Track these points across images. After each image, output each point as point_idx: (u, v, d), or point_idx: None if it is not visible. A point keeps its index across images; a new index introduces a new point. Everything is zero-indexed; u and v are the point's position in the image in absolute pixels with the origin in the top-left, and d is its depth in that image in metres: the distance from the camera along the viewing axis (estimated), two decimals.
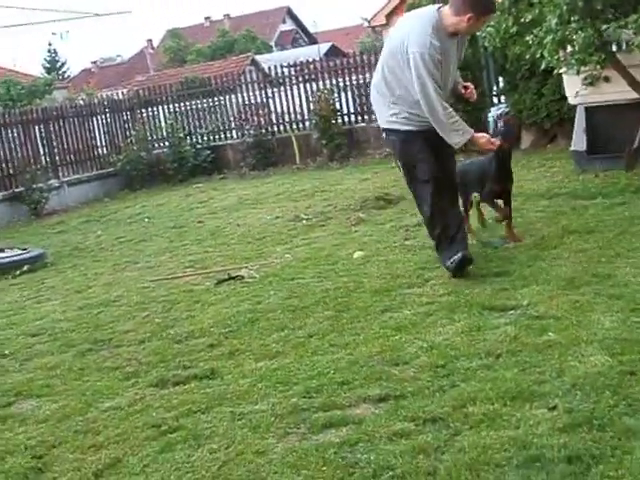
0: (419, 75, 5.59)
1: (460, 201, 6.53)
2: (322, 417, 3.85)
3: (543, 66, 9.05)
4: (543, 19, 8.34)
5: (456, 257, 5.73)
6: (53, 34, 59.20)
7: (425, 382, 4.02)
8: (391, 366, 4.33)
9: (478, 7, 5.65)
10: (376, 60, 15.49)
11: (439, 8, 5.76)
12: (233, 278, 6.98)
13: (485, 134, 6.03)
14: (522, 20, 8.68)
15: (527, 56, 9.32)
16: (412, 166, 6.02)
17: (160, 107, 17.57)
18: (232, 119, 16.96)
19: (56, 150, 16.00)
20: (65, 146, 16.19)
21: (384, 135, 6.27)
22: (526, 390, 3.72)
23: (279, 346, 5.01)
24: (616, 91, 9.21)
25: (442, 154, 5.97)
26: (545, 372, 3.90)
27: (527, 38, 8.71)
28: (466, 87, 6.18)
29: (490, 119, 12.96)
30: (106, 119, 17.20)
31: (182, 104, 17.29)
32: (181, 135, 16.43)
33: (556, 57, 8.74)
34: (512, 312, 4.86)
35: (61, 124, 16.25)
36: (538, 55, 8.72)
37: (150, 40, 61.74)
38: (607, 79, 9.29)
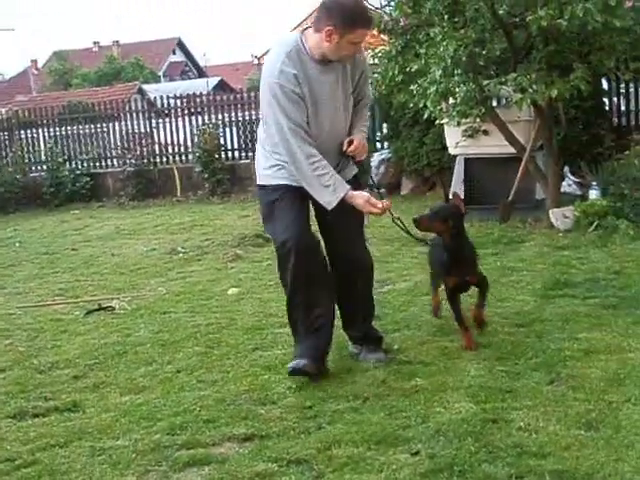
0: (273, 112, 4.44)
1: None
2: (185, 455, 3.77)
3: (426, 116, 9.24)
4: (428, 70, 8.54)
5: (294, 363, 4.60)
6: None
7: (291, 423, 3.99)
8: (258, 405, 4.29)
9: (338, 16, 4.36)
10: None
11: (305, 29, 4.56)
12: (103, 309, 6.83)
13: (365, 193, 4.56)
14: (408, 69, 8.87)
15: (411, 105, 9.51)
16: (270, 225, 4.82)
17: (40, 130, 17.14)
18: (114, 147, 16.69)
19: None
20: None
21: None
22: (391, 434, 3.73)
23: (146, 380, 4.90)
24: (494, 145, 9.49)
25: (332, 225, 4.75)
26: (410, 417, 3.92)
27: (412, 87, 8.89)
28: (350, 141, 4.72)
29: (373, 165, 13.19)
30: None
31: (64, 128, 16.90)
32: (60, 160, 16.06)
33: (438, 108, 8.95)
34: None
35: None
36: (421, 105, 8.91)
37: (35, 60, 60.50)
38: (486, 132, 9.57)
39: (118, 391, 4.76)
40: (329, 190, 4.46)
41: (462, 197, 5.17)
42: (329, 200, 4.48)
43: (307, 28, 4.53)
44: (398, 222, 4.96)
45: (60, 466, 3.77)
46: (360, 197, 4.50)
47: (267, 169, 4.70)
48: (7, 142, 16.99)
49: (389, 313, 5.80)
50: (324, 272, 4.72)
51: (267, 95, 4.47)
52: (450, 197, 4.98)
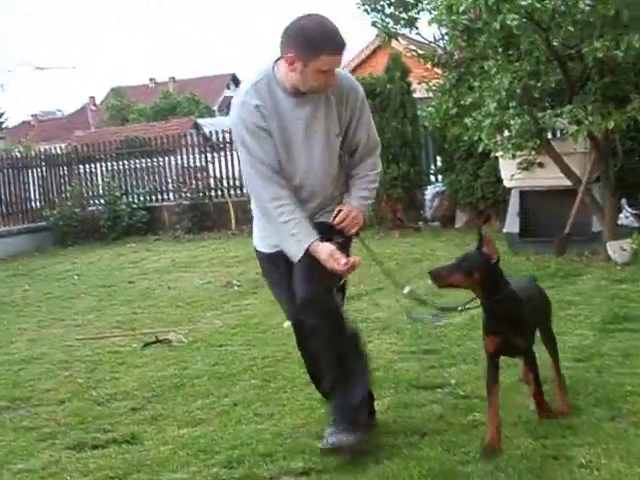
0: (239, 150, 4.02)
1: None
2: None
3: (480, 149, 9.24)
4: (482, 103, 8.54)
5: (327, 440, 3.99)
6: None
7: (349, 457, 3.96)
8: (315, 439, 4.25)
9: (298, 41, 3.80)
10: None
11: (279, 58, 3.95)
12: (160, 341, 6.88)
13: (330, 246, 3.87)
14: (462, 102, 8.88)
15: (465, 138, 9.50)
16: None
17: (98, 164, 17.40)
18: (170, 181, 16.88)
19: None
20: None
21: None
22: (449, 470, 3.69)
23: (203, 413, 4.92)
24: (549, 177, 9.44)
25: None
26: (469, 452, 3.87)
27: (466, 120, 8.89)
28: (339, 211, 4.07)
29: (427, 199, 13.19)
30: (42, 172, 17.01)
31: (121, 162, 17.15)
32: (117, 194, 16.30)
33: (493, 141, 8.93)
34: (440, 390, 4.84)
35: None
36: (476, 137, 8.91)
37: (93, 97, 61.72)
38: (541, 165, 9.53)
39: (176, 424, 4.78)
40: (294, 240, 3.90)
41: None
42: (295, 253, 3.91)
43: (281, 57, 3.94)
44: (408, 296, 4.36)
45: None
46: (324, 251, 3.85)
47: (260, 230, 4.26)
48: (66, 177, 17.24)
49: (445, 347, 5.77)
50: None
51: (231, 129, 4.09)
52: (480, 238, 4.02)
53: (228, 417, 4.79)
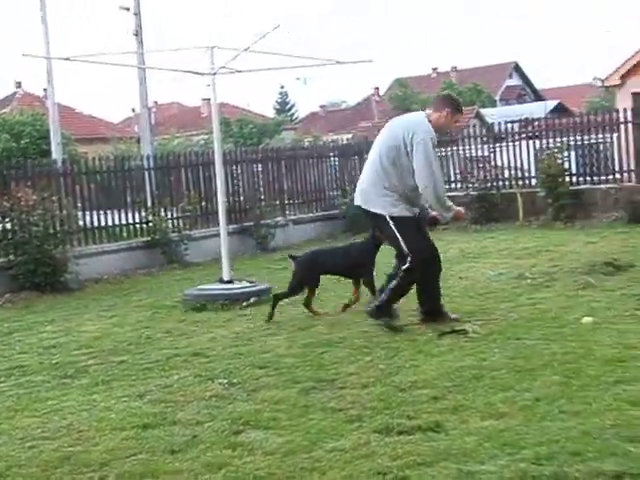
0: (427, 157, 6.95)
1: None
2: None
3: None
4: None
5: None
6: (297, 79, 63.85)
7: None
8: (627, 442, 4.14)
9: (454, 106, 7.31)
10: (603, 120, 15.46)
11: (430, 110, 7.31)
12: (457, 331, 6.92)
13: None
14: None
15: None
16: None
17: None
18: (456, 172, 17.00)
19: (285, 188, 16.47)
20: (293, 185, 16.63)
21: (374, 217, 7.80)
22: None
23: (505, 406, 4.92)
24: None
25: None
26: None
27: None
28: None
29: None
30: (334, 162, 17.54)
31: None
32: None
33: None
34: None
35: (292, 164, 16.69)
36: None
37: (377, 88, 63.00)
38: None
39: (478, 415, 4.80)
40: (448, 208, 7.29)
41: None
42: (447, 215, 7.46)
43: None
44: None
45: None
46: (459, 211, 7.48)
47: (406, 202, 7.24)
48: (357, 166, 17.68)
49: None
50: None
51: (426, 143, 7.00)
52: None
53: (531, 412, 4.77)
